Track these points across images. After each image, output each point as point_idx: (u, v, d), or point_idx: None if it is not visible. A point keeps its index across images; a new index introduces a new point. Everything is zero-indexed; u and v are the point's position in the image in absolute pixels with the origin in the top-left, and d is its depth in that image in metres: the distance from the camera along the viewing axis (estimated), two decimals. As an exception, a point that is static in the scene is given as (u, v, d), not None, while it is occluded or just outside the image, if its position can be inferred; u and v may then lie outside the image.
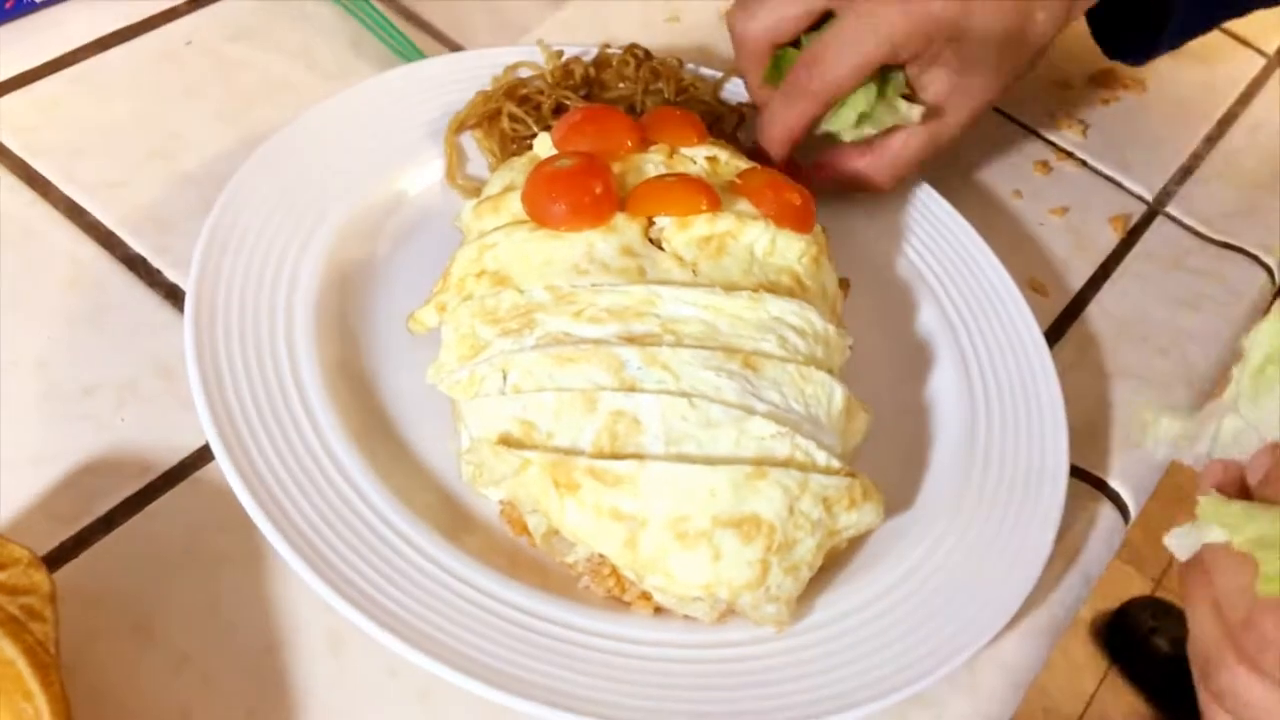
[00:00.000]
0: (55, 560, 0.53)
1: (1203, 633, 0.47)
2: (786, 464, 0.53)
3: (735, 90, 0.78)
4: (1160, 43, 0.83)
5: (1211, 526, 0.46)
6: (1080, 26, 0.98)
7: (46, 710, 0.42)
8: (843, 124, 0.68)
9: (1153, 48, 0.84)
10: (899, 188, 0.74)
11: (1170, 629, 1.86)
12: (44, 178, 0.67)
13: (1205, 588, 0.47)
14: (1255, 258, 0.83)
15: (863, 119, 0.68)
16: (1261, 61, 1.00)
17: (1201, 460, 0.52)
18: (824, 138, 0.70)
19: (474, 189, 0.69)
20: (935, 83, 0.69)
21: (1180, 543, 0.48)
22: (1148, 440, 0.54)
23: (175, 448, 0.58)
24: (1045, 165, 0.86)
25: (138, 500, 0.56)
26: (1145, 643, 1.86)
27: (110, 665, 0.50)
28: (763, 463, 0.53)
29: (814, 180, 0.70)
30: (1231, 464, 0.50)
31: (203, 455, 0.57)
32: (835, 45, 0.65)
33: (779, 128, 0.68)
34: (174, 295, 0.63)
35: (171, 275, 0.64)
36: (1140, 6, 0.81)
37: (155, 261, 0.64)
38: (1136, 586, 1.99)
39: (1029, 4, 0.66)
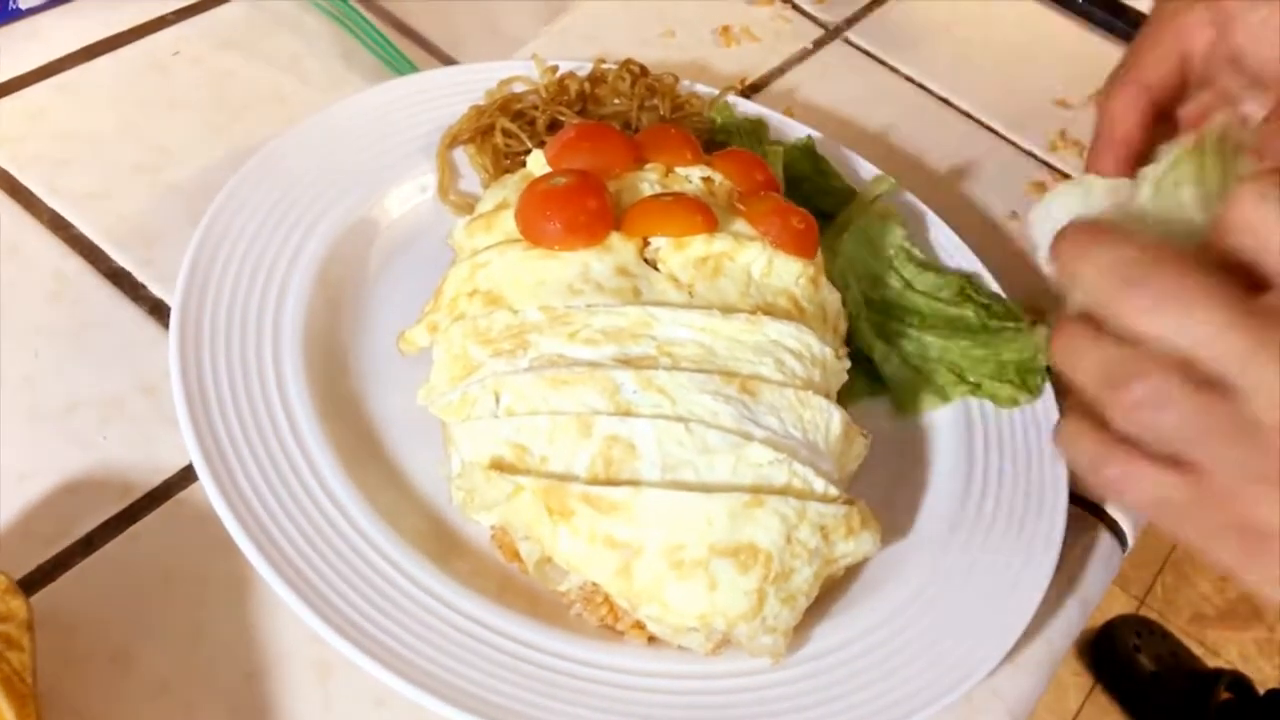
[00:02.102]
0: (33, 583, 0.51)
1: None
2: (784, 492, 0.52)
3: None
4: None
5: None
6: (1076, 47, 0.98)
7: (22, 744, 0.41)
8: None
9: None
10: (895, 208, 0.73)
11: (1154, 647, 1.87)
12: (27, 189, 0.66)
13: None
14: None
15: None
16: (1256, 84, 1.00)
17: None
18: None
19: (466, 206, 0.68)
20: None
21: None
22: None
23: (158, 468, 0.56)
24: (1042, 186, 0.85)
25: (119, 521, 0.54)
26: (1129, 661, 1.86)
27: (88, 693, 0.49)
28: (760, 490, 0.52)
29: None
30: None
31: (186, 476, 0.56)
32: None
33: None
34: (159, 311, 0.62)
35: (157, 290, 0.63)
36: None
37: (140, 276, 0.63)
38: (1120, 605, 2.00)
39: None
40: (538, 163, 0.63)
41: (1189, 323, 0.38)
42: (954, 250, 0.73)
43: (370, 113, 0.70)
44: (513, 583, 0.55)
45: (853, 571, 0.58)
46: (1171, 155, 0.47)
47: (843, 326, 0.63)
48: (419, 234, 0.67)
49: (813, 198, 0.72)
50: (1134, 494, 0.40)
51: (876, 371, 0.66)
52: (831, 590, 0.57)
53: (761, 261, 0.59)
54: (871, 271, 0.70)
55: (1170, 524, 0.41)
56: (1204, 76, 0.60)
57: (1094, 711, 1.91)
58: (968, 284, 0.69)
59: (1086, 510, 0.66)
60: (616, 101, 0.74)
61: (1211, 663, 1.89)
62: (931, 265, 0.70)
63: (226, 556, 0.52)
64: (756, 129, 0.75)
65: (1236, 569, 0.40)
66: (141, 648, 0.50)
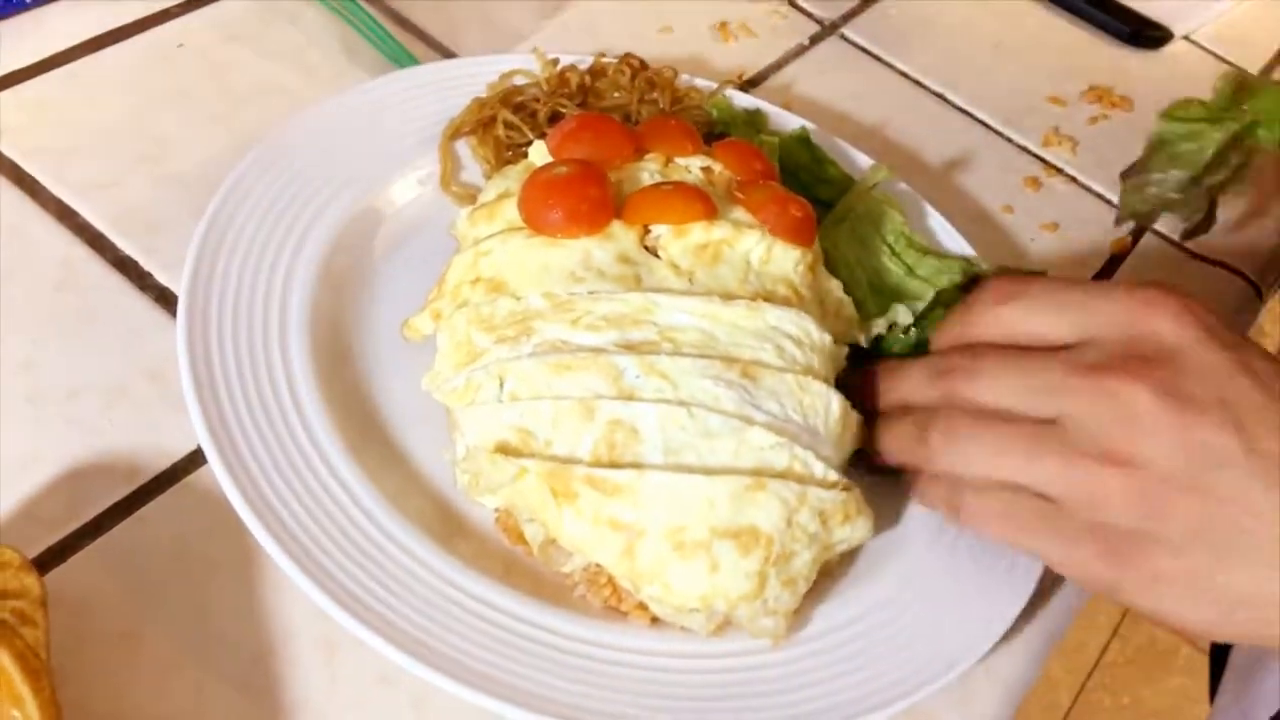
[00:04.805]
0: (42, 565, 0.52)
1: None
2: (784, 475, 0.53)
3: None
4: None
5: None
6: (1070, 44, 0.99)
7: (37, 716, 0.41)
8: None
9: None
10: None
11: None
12: (33, 178, 0.66)
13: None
14: (1240, 273, 0.84)
15: None
16: (1246, 81, 1.01)
17: None
18: None
19: (469, 196, 0.69)
20: None
21: None
22: None
23: (165, 452, 0.57)
24: (1036, 181, 0.86)
25: (127, 505, 0.55)
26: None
27: (98, 673, 0.50)
28: (761, 474, 0.53)
29: None
30: None
31: (193, 460, 0.57)
32: None
33: None
34: (165, 298, 0.63)
35: (162, 278, 0.63)
36: None
37: (146, 264, 0.64)
38: (1111, 604, 2.01)
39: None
40: (539, 153, 0.64)
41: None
42: (949, 241, 0.74)
43: (374, 104, 0.71)
44: (517, 564, 0.55)
45: (848, 558, 0.59)
46: None
47: (847, 313, 0.63)
48: (422, 224, 0.68)
49: (810, 187, 0.73)
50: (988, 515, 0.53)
51: None
52: (827, 576, 0.58)
53: (760, 249, 0.60)
54: (873, 259, 0.70)
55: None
56: None
57: (1084, 710, 1.92)
58: (969, 266, 0.69)
59: (1080, 497, 0.67)
60: (616, 95, 0.75)
61: (1199, 661, 1.90)
62: (932, 250, 0.71)
63: (233, 538, 0.53)
64: (755, 121, 0.76)
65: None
66: (150, 628, 0.51)
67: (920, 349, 0.65)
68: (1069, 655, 1.96)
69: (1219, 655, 0.80)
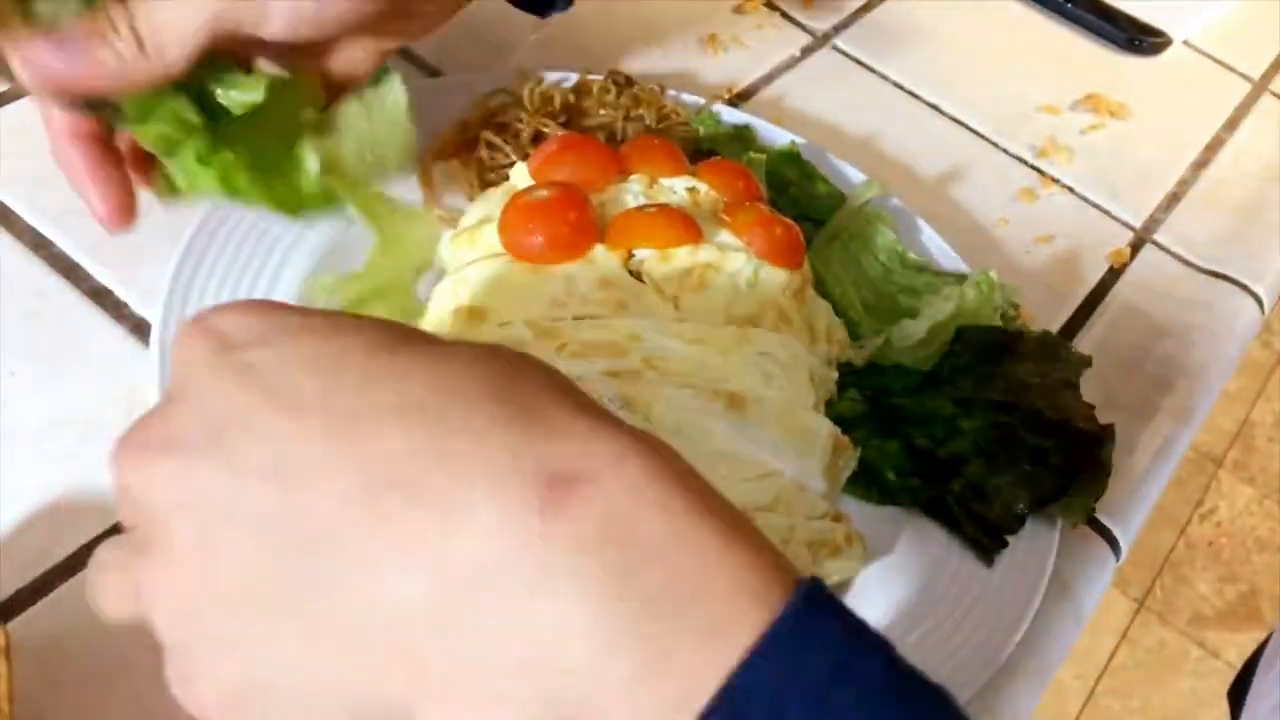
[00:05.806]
0: (13, 607, 0.51)
1: None
2: (772, 508, 0.52)
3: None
4: None
5: None
6: (1065, 52, 0.98)
7: (-3, 774, 0.40)
8: None
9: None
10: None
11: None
12: (6, 207, 0.65)
13: None
14: (1244, 286, 0.82)
15: None
16: (1247, 87, 1.00)
17: None
18: None
19: (452, 220, 0.67)
20: None
21: None
22: None
23: (140, 488, 0.56)
24: (1031, 193, 0.85)
25: (99, 543, 0.53)
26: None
27: (69, 718, 0.48)
28: (748, 506, 0.51)
29: None
30: None
31: (168, 496, 0.55)
32: None
33: None
34: (141, 329, 0.61)
35: (138, 308, 0.62)
36: None
37: (121, 294, 0.63)
38: (1119, 608, 1.99)
39: None
40: (521, 176, 0.63)
41: None
42: (942, 256, 0.73)
43: (353, 126, 0.69)
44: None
45: (840, 590, 0.57)
46: None
47: (838, 335, 0.62)
48: (403, 248, 0.67)
49: (800, 203, 0.72)
50: None
51: None
52: (821, 605, 0.56)
53: (747, 273, 0.58)
54: (866, 277, 0.69)
55: None
56: None
57: (1093, 716, 1.91)
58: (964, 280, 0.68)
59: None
60: (602, 113, 0.74)
61: (1210, 664, 1.89)
62: (926, 268, 0.70)
63: (208, 578, 0.52)
64: (743, 137, 0.75)
65: None
66: (122, 671, 0.50)
67: (934, 372, 0.63)
68: (1077, 661, 1.95)
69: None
